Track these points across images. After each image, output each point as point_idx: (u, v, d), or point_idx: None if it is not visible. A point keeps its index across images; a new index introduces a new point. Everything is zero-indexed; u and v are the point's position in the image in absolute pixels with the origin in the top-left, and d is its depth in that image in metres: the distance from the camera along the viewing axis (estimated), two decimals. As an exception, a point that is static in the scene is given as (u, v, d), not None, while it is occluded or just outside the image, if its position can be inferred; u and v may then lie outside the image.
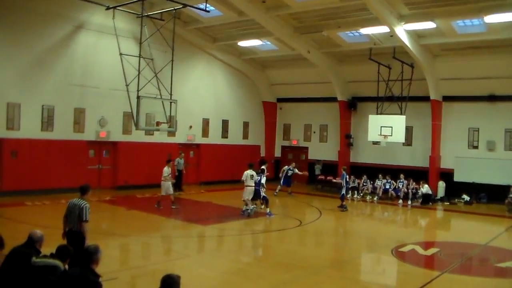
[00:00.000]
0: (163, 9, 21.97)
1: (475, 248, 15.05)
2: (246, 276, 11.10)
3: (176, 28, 22.76)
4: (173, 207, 19.53)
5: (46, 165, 21.61)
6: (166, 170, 19.64)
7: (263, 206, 19.21)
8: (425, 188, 24.66)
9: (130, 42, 23.64)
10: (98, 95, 23.35)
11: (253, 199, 19.02)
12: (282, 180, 25.94)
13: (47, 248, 7.14)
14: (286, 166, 26.40)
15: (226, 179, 27.21)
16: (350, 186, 25.25)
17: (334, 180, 26.55)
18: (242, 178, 18.91)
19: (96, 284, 5.91)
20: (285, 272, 11.43)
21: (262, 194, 18.85)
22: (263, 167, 19.92)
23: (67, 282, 5.96)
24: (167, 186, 19.56)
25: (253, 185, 18.70)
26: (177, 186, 24.95)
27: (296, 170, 26.12)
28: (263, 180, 18.95)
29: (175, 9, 21.31)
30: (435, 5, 20.75)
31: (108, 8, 22.00)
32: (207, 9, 20.94)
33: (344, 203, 21.53)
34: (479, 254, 14.47)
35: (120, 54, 21.61)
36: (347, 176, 22.59)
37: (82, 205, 8.96)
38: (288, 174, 25.88)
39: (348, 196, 25.15)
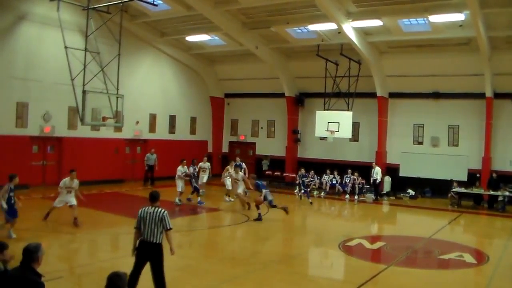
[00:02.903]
0: (110, 2, 21.49)
1: (420, 241, 15.40)
2: (193, 272, 10.98)
3: (123, 21, 22.37)
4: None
5: (-14, 162, 20.77)
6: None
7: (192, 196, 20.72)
8: (376, 170, 24.73)
9: (76, 35, 22.96)
10: (42, 89, 22.63)
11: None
12: None
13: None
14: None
15: (174, 175, 26.88)
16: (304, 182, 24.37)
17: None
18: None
19: (38, 284, 5.68)
20: (234, 267, 11.42)
21: (194, 184, 21.37)
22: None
23: (6, 283, 5.71)
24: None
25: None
26: (148, 180, 26.25)
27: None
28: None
29: (122, 2, 20.96)
30: (382, 4, 21.12)
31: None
32: (154, 2, 20.72)
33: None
34: (423, 247, 14.81)
35: (65, 47, 20.90)
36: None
37: (162, 213, 8.30)
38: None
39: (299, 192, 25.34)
